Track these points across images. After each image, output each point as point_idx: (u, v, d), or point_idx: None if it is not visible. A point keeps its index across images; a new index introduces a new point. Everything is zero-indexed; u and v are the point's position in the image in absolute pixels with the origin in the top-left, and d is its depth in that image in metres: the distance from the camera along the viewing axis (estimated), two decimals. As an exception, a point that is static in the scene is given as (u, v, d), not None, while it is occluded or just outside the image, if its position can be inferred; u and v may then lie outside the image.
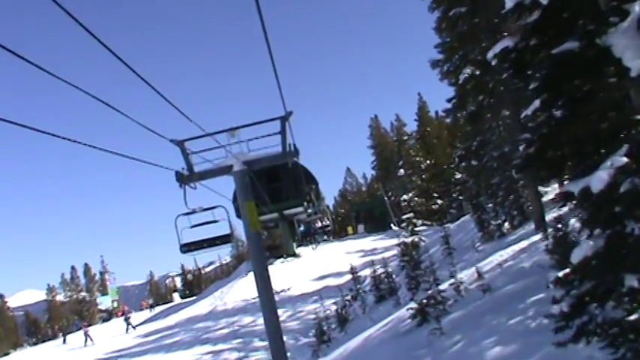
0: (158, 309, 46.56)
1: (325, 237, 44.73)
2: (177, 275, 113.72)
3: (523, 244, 12.71)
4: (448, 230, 20.18)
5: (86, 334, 31.51)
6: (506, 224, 17.10)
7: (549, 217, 14.37)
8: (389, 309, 15.93)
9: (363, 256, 32.66)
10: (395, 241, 35.54)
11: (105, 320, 44.37)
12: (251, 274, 31.41)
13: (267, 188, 35.46)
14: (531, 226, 15.31)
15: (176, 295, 55.90)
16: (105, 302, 55.65)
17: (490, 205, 18.48)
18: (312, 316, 23.95)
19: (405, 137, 59.52)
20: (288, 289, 31.67)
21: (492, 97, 14.76)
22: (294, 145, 8.70)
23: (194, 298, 44.73)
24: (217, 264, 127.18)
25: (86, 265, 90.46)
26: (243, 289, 30.57)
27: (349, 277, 26.70)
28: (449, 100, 17.28)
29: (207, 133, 8.08)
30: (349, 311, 19.98)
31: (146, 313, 45.86)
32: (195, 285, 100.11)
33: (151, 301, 53.41)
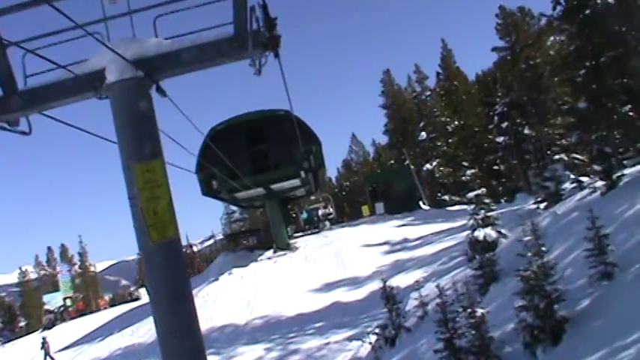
0: (118, 310, 36.37)
1: (328, 226, 33.61)
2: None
3: None
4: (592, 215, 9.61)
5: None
6: None
7: None
8: None
9: (390, 252, 22.04)
10: (435, 227, 24.83)
11: (46, 328, 33.95)
12: (224, 279, 22.22)
13: (248, 151, 24.93)
14: None
15: (143, 291, 45.10)
16: (54, 301, 44.63)
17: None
18: (313, 364, 14.25)
19: (428, 92, 48.30)
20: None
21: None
22: (270, 19, 3.65)
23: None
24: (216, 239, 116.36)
25: (63, 245, 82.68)
26: (209, 303, 20.37)
27: (373, 287, 16.66)
28: None
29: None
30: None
31: (101, 316, 35.69)
32: (187, 265, 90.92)
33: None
